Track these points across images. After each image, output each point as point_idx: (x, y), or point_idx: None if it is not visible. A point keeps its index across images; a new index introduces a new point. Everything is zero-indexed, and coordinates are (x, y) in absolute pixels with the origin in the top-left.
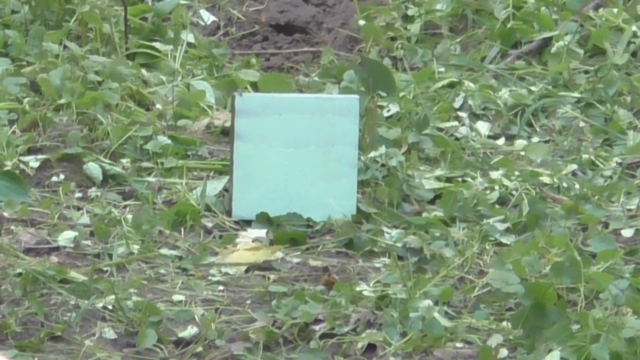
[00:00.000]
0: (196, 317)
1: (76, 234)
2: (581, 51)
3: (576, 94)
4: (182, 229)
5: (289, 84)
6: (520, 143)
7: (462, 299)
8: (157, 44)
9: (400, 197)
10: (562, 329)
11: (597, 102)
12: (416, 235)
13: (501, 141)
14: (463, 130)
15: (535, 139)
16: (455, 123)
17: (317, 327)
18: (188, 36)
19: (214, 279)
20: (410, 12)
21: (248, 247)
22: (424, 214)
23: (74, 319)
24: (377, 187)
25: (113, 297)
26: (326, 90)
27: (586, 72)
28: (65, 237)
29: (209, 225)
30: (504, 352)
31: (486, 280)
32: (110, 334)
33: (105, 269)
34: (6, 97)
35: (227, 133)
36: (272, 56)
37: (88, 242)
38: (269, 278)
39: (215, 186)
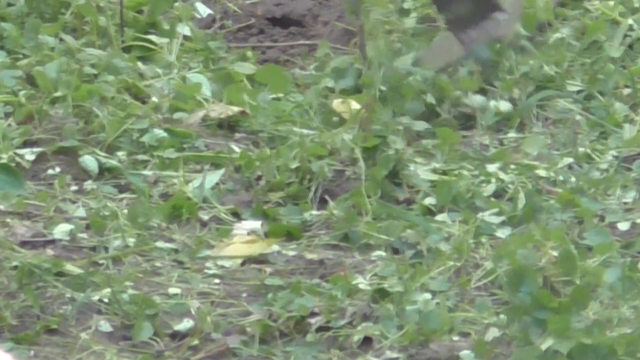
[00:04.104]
0: (192, 310)
1: (72, 226)
2: (577, 44)
3: (576, 86)
4: (178, 222)
5: (285, 76)
6: (516, 135)
7: (459, 292)
8: (153, 37)
9: (394, 185)
10: (558, 322)
11: (594, 94)
12: (412, 229)
13: (499, 134)
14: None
15: (531, 131)
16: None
17: (313, 320)
18: (184, 29)
19: (210, 272)
20: (406, 5)
21: (244, 240)
22: (417, 203)
23: (70, 312)
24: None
25: (109, 290)
26: None
27: (582, 64)
28: (61, 230)
29: (205, 218)
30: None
31: (483, 273)
32: (106, 327)
33: (101, 262)
34: (2, 90)
35: (222, 126)
36: (268, 49)
37: (84, 235)
38: (264, 271)
39: (211, 179)
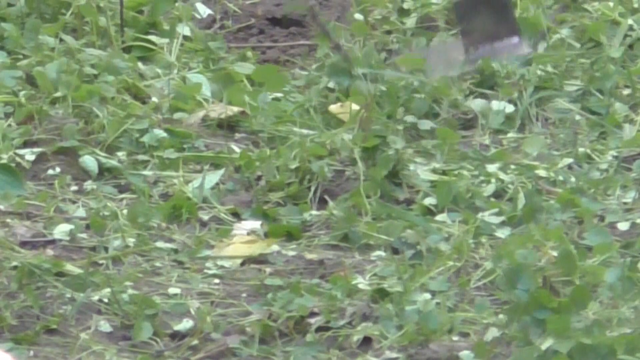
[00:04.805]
0: (192, 310)
1: (72, 227)
2: (577, 44)
3: (576, 84)
4: (178, 222)
5: (283, 76)
6: (516, 136)
7: (459, 292)
8: (153, 37)
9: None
10: (558, 322)
11: (594, 94)
12: (412, 230)
13: (499, 134)
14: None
15: (531, 132)
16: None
17: (312, 320)
18: (184, 29)
19: (210, 272)
20: (405, 6)
21: (243, 240)
22: (417, 204)
23: (70, 312)
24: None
25: (109, 290)
26: None
27: (582, 65)
28: (61, 230)
29: (205, 218)
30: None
31: (482, 274)
32: (105, 327)
33: (100, 262)
34: (2, 90)
35: (222, 126)
36: (268, 49)
37: (84, 235)
38: (264, 271)
39: (211, 179)
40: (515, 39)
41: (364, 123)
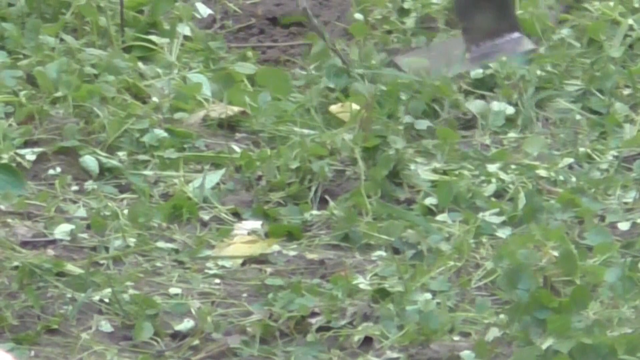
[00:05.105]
0: (192, 310)
1: (72, 227)
2: (577, 44)
3: (576, 84)
4: (179, 222)
5: (285, 77)
6: (516, 135)
7: (459, 292)
8: (153, 37)
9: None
10: (558, 322)
11: (594, 94)
12: (413, 230)
13: (499, 134)
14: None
15: (531, 131)
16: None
17: (313, 320)
18: (184, 29)
19: (210, 272)
20: (406, 6)
21: (244, 240)
22: (418, 203)
23: (71, 312)
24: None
25: (109, 290)
26: None
27: (582, 65)
28: (62, 230)
29: (206, 218)
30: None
31: (483, 273)
32: (106, 327)
33: (101, 262)
34: (2, 90)
35: (223, 126)
36: (268, 49)
37: (84, 235)
38: (265, 271)
39: (212, 179)
40: (516, 34)
41: (365, 123)
